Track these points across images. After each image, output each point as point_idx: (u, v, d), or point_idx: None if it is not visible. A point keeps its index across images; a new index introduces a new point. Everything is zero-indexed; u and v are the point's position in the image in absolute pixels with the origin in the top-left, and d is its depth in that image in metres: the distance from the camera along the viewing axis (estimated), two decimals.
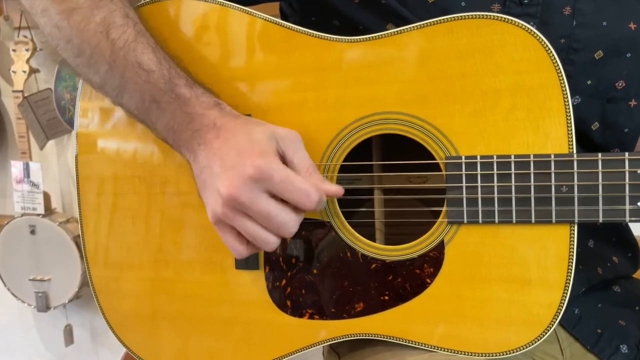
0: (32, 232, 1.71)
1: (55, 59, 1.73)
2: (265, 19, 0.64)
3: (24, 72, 1.67)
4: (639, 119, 0.65)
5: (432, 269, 0.61)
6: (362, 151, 0.64)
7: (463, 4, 0.61)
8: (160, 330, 0.71)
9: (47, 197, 1.72)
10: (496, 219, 0.58)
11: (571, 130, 0.56)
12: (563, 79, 0.56)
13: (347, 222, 0.64)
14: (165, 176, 0.69)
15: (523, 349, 0.59)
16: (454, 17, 0.58)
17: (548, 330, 0.58)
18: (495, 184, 0.58)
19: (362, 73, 0.61)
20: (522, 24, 0.56)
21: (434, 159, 0.60)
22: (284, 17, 0.76)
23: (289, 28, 0.64)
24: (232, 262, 0.67)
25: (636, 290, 0.72)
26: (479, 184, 0.58)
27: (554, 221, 0.57)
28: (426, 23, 0.59)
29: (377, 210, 0.67)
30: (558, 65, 0.56)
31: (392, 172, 0.66)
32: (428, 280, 0.61)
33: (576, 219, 0.56)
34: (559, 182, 0.56)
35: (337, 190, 0.57)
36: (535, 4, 0.61)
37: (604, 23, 0.61)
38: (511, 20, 0.56)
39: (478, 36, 0.58)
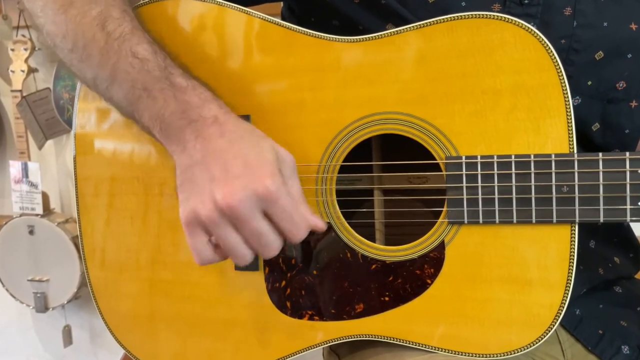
0: (31, 232, 1.71)
1: (54, 59, 1.73)
2: (264, 19, 0.64)
3: (23, 71, 1.67)
4: (639, 120, 0.64)
5: (433, 270, 0.61)
6: (362, 151, 0.64)
7: (463, 3, 0.61)
8: (159, 332, 0.71)
9: (45, 197, 1.72)
10: (497, 219, 0.58)
11: (572, 130, 0.56)
12: (564, 78, 0.56)
13: (347, 222, 0.63)
14: (163, 177, 0.69)
15: (524, 349, 0.58)
16: (454, 16, 0.58)
17: (549, 331, 0.58)
18: (496, 184, 0.58)
19: (361, 73, 0.61)
20: (522, 24, 0.56)
21: (434, 159, 0.60)
22: (283, 19, 0.75)
23: (288, 28, 0.63)
24: (231, 263, 0.67)
25: (638, 290, 0.72)
26: (480, 184, 0.58)
27: (554, 221, 0.57)
28: (426, 23, 0.59)
29: (377, 211, 0.67)
30: (558, 65, 0.56)
31: (392, 172, 0.65)
32: (428, 281, 0.61)
33: (577, 219, 0.56)
34: (559, 182, 0.56)
35: (322, 225, 0.57)
36: (536, 4, 0.60)
37: (605, 24, 0.60)
38: (512, 19, 0.56)
39: (478, 36, 0.57)
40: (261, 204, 0.53)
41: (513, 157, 0.57)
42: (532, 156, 0.57)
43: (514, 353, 0.59)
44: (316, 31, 0.62)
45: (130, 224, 0.71)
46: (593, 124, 0.63)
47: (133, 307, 0.72)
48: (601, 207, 0.56)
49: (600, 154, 0.55)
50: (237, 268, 0.67)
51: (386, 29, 0.61)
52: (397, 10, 0.62)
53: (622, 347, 0.65)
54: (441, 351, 0.61)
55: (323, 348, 0.76)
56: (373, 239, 0.66)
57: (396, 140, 0.62)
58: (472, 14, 0.57)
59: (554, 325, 0.57)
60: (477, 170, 0.58)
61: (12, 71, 1.68)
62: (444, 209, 0.60)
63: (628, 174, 0.55)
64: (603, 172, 0.55)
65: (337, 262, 0.64)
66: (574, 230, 0.57)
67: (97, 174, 0.72)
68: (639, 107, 0.64)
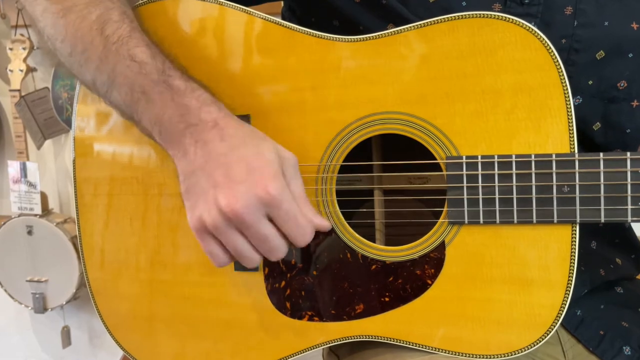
0: (29, 232, 1.70)
1: (53, 59, 1.72)
2: (264, 19, 0.64)
3: (21, 70, 1.66)
4: None
5: (433, 270, 0.60)
6: (362, 151, 0.64)
7: (464, 3, 0.60)
8: (158, 333, 0.71)
9: (44, 197, 1.72)
10: (497, 219, 0.58)
11: (572, 129, 0.56)
12: (564, 78, 0.55)
13: (347, 222, 0.63)
14: (163, 178, 0.69)
15: (525, 350, 0.58)
16: (454, 16, 0.58)
17: (550, 332, 0.57)
18: (497, 184, 0.58)
19: (362, 73, 0.61)
20: (523, 23, 0.56)
21: (435, 159, 0.59)
22: (284, 19, 0.75)
23: (288, 28, 0.63)
24: (230, 263, 0.67)
25: (639, 291, 0.72)
26: (480, 184, 0.58)
27: (555, 221, 0.57)
28: (427, 22, 0.59)
29: (377, 211, 0.67)
30: (559, 64, 0.55)
31: (392, 172, 0.65)
32: (429, 282, 0.61)
33: (578, 219, 0.56)
34: (560, 182, 0.56)
35: (327, 225, 0.58)
36: (537, 4, 0.60)
37: (606, 23, 0.60)
38: (512, 19, 0.56)
39: (479, 35, 0.57)
40: (265, 208, 0.53)
41: (514, 157, 0.57)
42: (532, 156, 0.56)
43: (515, 354, 0.58)
44: (317, 31, 0.62)
45: (130, 224, 0.70)
46: (594, 123, 0.63)
47: (132, 307, 0.72)
48: (602, 207, 0.55)
49: (601, 154, 0.55)
50: (237, 269, 0.67)
51: (387, 29, 0.60)
52: (398, 10, 0.61)
53: (624, 347, 0.65)
54: (441, 352, 0.60)
55: (323, 349, 0.76)
56: (373, 239, 0.65)
57: (396, 140, 0.61)
58: (473, 14, 0.57)
59: (554, 326, 0.57)
60: (477, 170, 0.58)
61: (11, 70, 1.67)
62: (445, 209, 0.59)
63: (629, 174, 0.55)
64: (604, 172, 0.55)
65: (337, 263, 0.64)
66: (575, 231, 0.56)
67: (96, 175, 0.72)
68: None
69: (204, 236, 0.55)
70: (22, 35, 1.70)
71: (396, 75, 0.60)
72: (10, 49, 1.68)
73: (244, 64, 0.64)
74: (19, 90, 1.67)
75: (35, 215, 1.69)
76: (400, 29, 0.59)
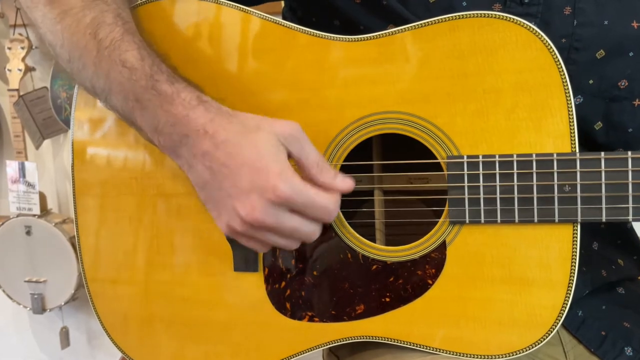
0: (28, 232, 1.70)
1: (51, 58, 1.72)
2: (264, 18, 0.64)
3: (20, 70, 1.66)
4: None
5: (434, 270, 0.60)
6: (362, 151, 0.64)
7: (464, 3, 0.60)
8: (157, 334, 0.70)
9: (42, 197, 1.71)
10: (498, 219, 0.58)
11: (574, 129, 0.56)
12: (565, 77, 0.55)
13: (348, 222, 0.63)
14: (161, 179, 0.68)
15: (526, 350, 0.58)
16: (455, 16, 0.57)
17: (551, 332, 0.57)
18: (498, 183, 0.57)
19: (362, 72, 0.61)
20: (524, 23, 0.56)
21: (436, 158, 0.59)
22: (285, 20, 0.75)
23: (288, 27, 0.63)
24: (230, 264, 0.67)
25: None
26: (481, 183, 0.58)
27: (556, 221, 0.56)
28: (427, 22, 0.58)
29: (377, 211, 0.66)
30: (560, 63, 0.55)
31: (393, 172, 0.65)
32: (430, 282, 0.60)
33: (579, 219, 0.56)
34: (561, 181, 0.56)
35: (350, 185, 0.57)
36: (536, 4, 0.60)
37: (606, 22, 0.60)
38: (513, 19, 0.56)
39: (479, 35, 0.57)
40: (282, 207, 0.53)
41: (515, 156, 0.57)
42: (534, 155, 0.56)
43: (516, 354, 0.58)
44: (317, 31, 0.62)
45: (128, 225, 0.70)
46: (595, 123, 0.63)
47: (130, 309, 0.71)
48: (603, 206, 0.55)
49: (602, 153, 0.55)
50: (237, 269, 0.67)
51: (387, 29, 0.60)
52: (398, 10, 0.61)
53: (625, 348, 0.65)
54: (442, 352, 0.60)
55: (323, 350, 0.76)
56: (374, 240, 0.65)
57: (397, 140, 0.61)
58: (473, 13, 0.57)
59: (556, 326, 0.57)
60: (478, 170, 0.58)
61: (9, 70, 1.67)
62: (445, 208, 0.59)
63: (630, 173, 0.55)
64: (605, 171, 0.55)
65: (337, 263, 0.63)
66: (576, 230, 0.56)
67: (95, 176, 0.71)
68: None
69: (239, 238, 0.57)
70: (20, 34, 1.70)
71: (397, 75, 0.60)
72: (9, 49, 1.68)
73: (243, 64, 0.64)
74: (17, 90, 1.67)
75: (34, 215, 1.69)
76: (401, 29, 0.59)
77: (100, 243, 0.72)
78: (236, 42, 0.64)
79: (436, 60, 0.59)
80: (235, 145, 0.54)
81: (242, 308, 0.67)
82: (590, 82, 0.61)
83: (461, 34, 0.57)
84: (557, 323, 0.57)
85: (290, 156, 0.55)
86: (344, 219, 0.63)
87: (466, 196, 0.58)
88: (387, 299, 0.62)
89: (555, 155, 0.56)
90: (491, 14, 0.56)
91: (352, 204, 0.64)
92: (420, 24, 0.59)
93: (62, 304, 1.71)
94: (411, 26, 0.59)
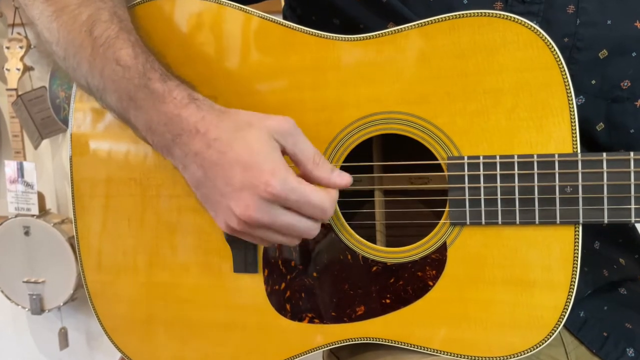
0: (26, 233, 1.69)
1: (50, 57, 1.71)
2: (263, 18, 0.63)
3: (18, 69, 1.65)
4: None
5: (435, 272, 0.60)
6: (362, 152, 0.63)
7: (465, 2, 0.60)
8: (156, 335, 0.70)
9: (41, 197, 1.71)
10: (499, 220, 0.57)
11: (575, 129, 0.55)
12: (567, 77, 0.55)
13: (348, 223, 0.63)
14: (161, 178, 0.68)
15: (528, 352, 0.58)
16: (455, 15, 0.57)
17: (553, 333, 0.57)
18: (499, 184, 0.57)
19: (362, 72, 0.60)
20: (525, 22, 0.55)
21: (436, 159, 0.59)
22: (285, 18, 0.74)
23: (287, 27, 0.62)
24: (230, 265, 0.66)
25: None
26: (482, 184, 0.57)
27: (558, 222, 0.56)
28: (427, 21, 0.58)
29: (377, 212, 0.66)
30: (562, 63, 0.55)
31: (393, 172, 0.65)
32: (430, 283, 0.60)
33: (581, 220, 0.56)
34: (563, 182, 0.56)
35: (347, 180, 0.56)
36: (538, 3, 0.60)
37: (609, 22, 0.60)
38: (514, 17, 0.55)
39: (480, 34, 0.57)
40: (276, 204, 0.53)
41: (516, 157, 0.56)
42: (535, 156, 0.56)
43: (518, 356, 0.58)
44: (317, 30, 0.61)
45: (128, 226, 0.70)
46: (597, 123, 0.63)
47: (130, 309, 0.71)
48: (605, 207, 0.55)
49: (604, 154, 0.55)
50: (236, 270, 0.66)
51: (387, 28, 0.60)
52: (399, 8, 0.61)
53: (627, 349, 0.64)
54: (443, 354, 0.60)
55: (323, 351, 0.75)
56: (374, 241, 0.65)
57: (397, 140, 0.61)
58: (474, 12, 0.57)
59: (557, 328, 0.57)
60: (479, 171, 0.57)
61: (8, 69, 1.66)
62: (446, 209, 0.59)
63: (632, 174, 0.54)
64: (607, 172, 0.55)
65: (337, 264, 0.63)
66: (578, 231, 0.56)
67: (94, 175, 0.71)
68: None
69: (239, 234, 0.56)
70: (19, 33, 1.69)
71: (396, 74, 0.59)
72: (7, 48, 1.67)
73: (242, 64, 0.64)
74: (16, 90, 1.66)
75: (33, 215, 1.68)
76: (401, 28, 0.59)
77: (99, 243, 0.71)
78: (234, 42, 0.64)
79: (436, 60, 0.58)
80: (227, 143, 0.53)
81: (242, 309, 0.66)
82: (593, 82, 0.61)
83: (461, 33, 0.57)
84: (559, 324, 0.57)
85: (285, 152, 0.55)
86: (344, 220, 0.63)
87: (467, 197, 0.58)
88: (388, 301, 0.61)
89: (556, 155, 0.55)
90: (492, 13, 0.56)
91: (352, 204, 0.64)
92: (421, 23, 0.58)
93: (61, 304, 1.70)
94: (411, 25, 0.58)
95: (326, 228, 0.63)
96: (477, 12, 0.57)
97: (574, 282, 0.56)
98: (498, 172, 0.57)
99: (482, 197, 0.57)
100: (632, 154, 0.54)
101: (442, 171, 0.59)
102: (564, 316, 0.56)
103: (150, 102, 0.55)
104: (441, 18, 0.57)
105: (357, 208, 0.66)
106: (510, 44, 0.56)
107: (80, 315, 1.86)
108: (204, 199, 0.56)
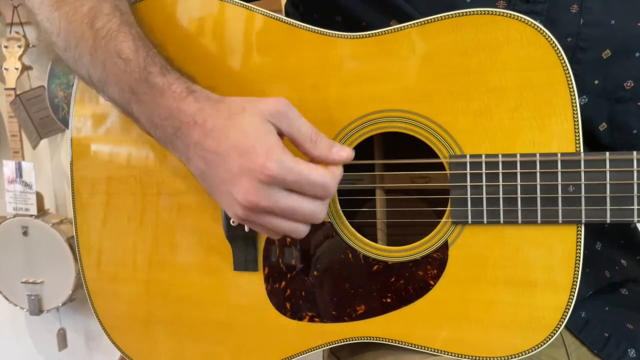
0: (25, 233, 1.69)
1: (50, 54, 1.71)
2: (265, 15, 0.63)
3: (17, 69, 1.65)
4: None
5: (436, 271, 0.59)
6: (364, 150, 0.63)
7: (468, 0, 0.59)
8: (156, 334, 0.70)
9: (40, 197, 1.70)
10: (501, 219, 0.57)
11: (578, 128, 0.55)
12: (570, 76, 0.55)
13: (349, 222, 0.62)
14: (161, 177, 0.68)
15: (529, 352, 0.57)
16: (458, 12, 0.57)
17: (554, 334, 0.57)
18: (501, 183, 0.57)
19: (364, 70, 0.60)
20: (528, 20, 0.55)
21: (438, 157, 0.59)
22: (287, 16, 0.74)
23: (289, 24, 0.62)
24: (230, 263, 0.66)
25: None
26: (484, 183, 0.57)
27: (560, 221, 0.56)
28: (430, 19, 0.58)
29: (379, 210, 0.66)
30: (565, 62, 0.55)
31: (394, 171, 0.64)
32: (431, 282, 0.60)
33: (583, 220, 0.55)
34: (565, 181, 0.55)
35: (348, 155, 0.56)
36: (542, 2, 0.59)
37: (612, 22, 0.59)
38: (517, 16, 0.55)
39: (483, 32, 0.57)
40: (275, 186, 0.53)
41: (518, 156, 0.56)
42: (537, 155, 0.56)
43: (519, 356, 0.58)
44: (319, 27, 0.61)
45: (127, 224, 0.69)
46: (600, 123, 0.62)
47: (130, 308, 0.70)
48: (608, 207, 0.55)
49: (607, 154, 0.54)
50: (237, 268, 0.66)
51: (390, 25, 0.60)
52: (401, 6, 0.61)
53: (629, 350, 0.64)
54: (444, 354, 0.60)
55: (323, 350, 0.75)
56: (375, 239, 0.64)
57: (399, 138, 0.61)
58: (476, 10, 0.56)
59: (559, 328, 0.56)
60: (481, 170, 0.57)
61: (6, 69, 1.66)
62: (448, 208, 0.59)
63: (635, 173, 0.54)
64: (610, 171, 0.54)
65: (338, 263, 0.63)
66: (580, 231, 0.56)
67: (94, 174, 0.71)
68: None
69: (245, 223, 0.56)
70: (17, 33, 1.69)
71: (399, 72, 0.59)
72: (6, 47, 1.67)
73: (244, 61, 0.64)
74: (14, 89, 1.66)
75: (31, 215, 1.68)
76: (403, 26, 0.59)
77: (99, 241, 0.71)
78: (236, 39, 0.64)
79: (439, 58, 0.58)
80: (222, 131, 0.53)
81: (242, 308, 0.66)
82: (596, 82, 0.61)
83: (464, 31, 0.57)
84: (561, 325, 0.56)
85: (281, 134, 0.54)
86: (345, 219, 0.62)
87: (469, 196, 0.58)
88: (388, 300, 0.61)
89: (559, 155, 0.55)
90: (495, 11, 0.56)
91: (353, 203, 0.64)
92: (423, 21, 0.58)
93: (60, 305, 1.69)
94: (414, 23, 0.58)
95: (327, 227, 0.62)
96: (480, 10, 0.56)
97: (576, 282, 0.56)
98: (500, 171, 0.57)
99: (484, 196, 0.57)
100: (635, 153, 0.54)
101: (444, 170, 0.59)
102: (566, 317, 0.56)
103: (151, 96, 0.56)
104: (444, 16, 0.57)
105: (359, 206, 0.66)
106: (513, 43, 0.56)
107: (79, 315, 1.85)
108: (211, 190, 0.56)
